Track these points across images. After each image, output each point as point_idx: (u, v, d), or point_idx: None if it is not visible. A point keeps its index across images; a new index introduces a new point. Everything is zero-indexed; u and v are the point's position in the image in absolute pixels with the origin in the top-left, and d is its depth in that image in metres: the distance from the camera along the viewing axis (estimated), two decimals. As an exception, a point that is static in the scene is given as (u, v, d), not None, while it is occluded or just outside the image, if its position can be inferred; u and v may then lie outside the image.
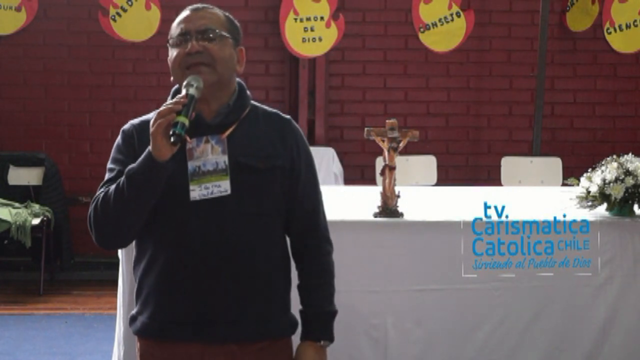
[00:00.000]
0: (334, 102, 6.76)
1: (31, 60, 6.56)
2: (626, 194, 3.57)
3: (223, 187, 2.07)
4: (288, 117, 2.25)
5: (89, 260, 6.48)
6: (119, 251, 3.56)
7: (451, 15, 6.45)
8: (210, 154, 2.08)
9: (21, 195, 6.21)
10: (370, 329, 3.42)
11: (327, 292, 2.24)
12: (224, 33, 2.14)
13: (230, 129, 2.13)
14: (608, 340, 3.56)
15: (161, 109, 1.97)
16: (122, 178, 2.02)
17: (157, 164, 1.97)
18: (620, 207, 3.62)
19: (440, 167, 6.42)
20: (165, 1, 6.25)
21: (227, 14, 2.22)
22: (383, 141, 3.53)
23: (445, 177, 6.60)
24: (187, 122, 1.96)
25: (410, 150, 5.50)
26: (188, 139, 2.06)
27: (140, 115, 2.22)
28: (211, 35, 2.11)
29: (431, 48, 6.53)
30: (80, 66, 6.57)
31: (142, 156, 1.99)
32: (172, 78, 2.16)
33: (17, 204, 6.00)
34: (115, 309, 3.67)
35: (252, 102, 2.23)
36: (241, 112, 2.16)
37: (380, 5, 6.74)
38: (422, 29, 6.49)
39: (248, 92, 2.22)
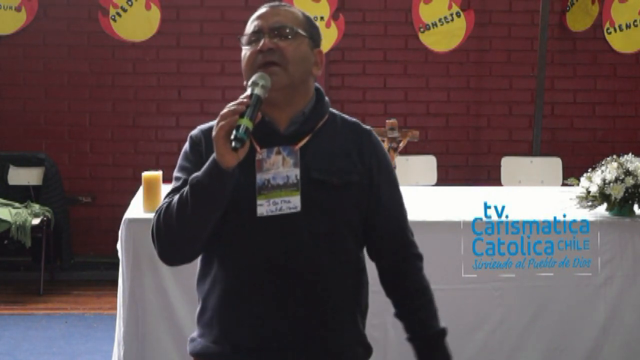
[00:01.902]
0: (334, 102, 6.68)
1: (31, 60, 6.56)
2: (626, 194, 3.57)
3: (293, 203, 1.90)
4: (368, 128, 2.08)
5: (89, 260, 6.47)
6: (119, 251, 3.56)
7: (451, 15, 6.45)
8: (282, 167, 1.90)
9: (21, 195, 6.20)
10: (370, 329, 3.41)
11: (433, 310, 2.07)
12: (300, 31, 1.97)
13: (305, 140, 1.96)
14: (608, 340, 3.57)
15: (224, 110, 1.81)
16: (186, 187, 1.87)
17: (222, 172, 1.80)
18: (620, 207, 3.63)
19: (440, 167, 6.41)
20: (165, 1, 6.25)
21: (306, 13, 2.05)
22: (383, 141, 3.53)
23: (445, 177, 6.60)
24: (250, 125, 1.78)
25: (410, 150, 5.50)
26: (258, 149, 1.92)
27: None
28: (287, 32, 1.95)
29: (431, 48, 6.53)
30: (80, 66, 6.57)
31: (207, 163, 1.83)
32: (245, 82, 1.98)
33: (17, 204, 6.00)
34: (115, 309, 3.68)
35: (331, 109, 2.06)
36: (317, 121, 1.99)
37: (380, 5, 6.74)
38: (422, 29, 6.49)
39: (327, 99, 2.06)
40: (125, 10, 6.23)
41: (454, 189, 4.70)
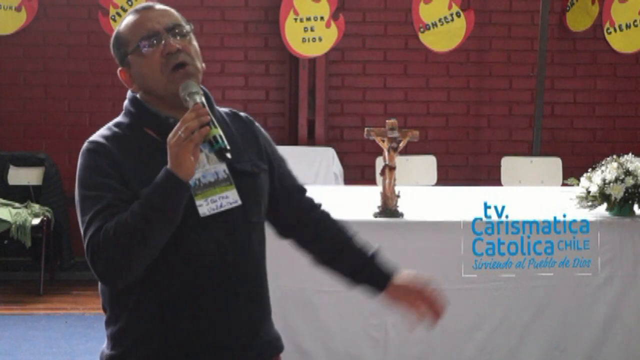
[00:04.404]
0: (334, 102, 6.76)
1: (31, 60, 6.56)
2: (626, 194, 3.57)
3: (232, 197, 1.88)
4: (245, 113, 2.11)
5: (89, 260, 6.47)
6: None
7: (451, 15, 6.46)
8: (207, 164, 1.87)
9: (21, 195, 6.20)
10: (370, 329, 3.43)
11: (361, 239, 2.13)
12: (188, 27, 1.96)
13: None
14: (608, 340, 3.57)
15: (188, 123, 1.73)
16: (139, 205, 1.77)
17: (182, 183, 1.75)
18: (620, 207, 3.62)
19: (440, 167, 6.42)
20: (165, 1, 6.24)
21: None
22: (383, 141, 3.53)
23: (445, 177, 6.60)
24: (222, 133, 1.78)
25: (410, 150, 5.50)
26: None
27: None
28: (183, 30, 1.92)
29: (431, 48, 6.53)
30: (80, 66, 6.57)
31: (162, 178, 1.76)
32: (127, 90, 2.00)
33: (17, 204, 6.00)
34: (115, 309, 3.67)
35: None
36: (214, 115, 1.91)
37: (380, 5, 6.74)
38: (422, 29, 6.49)
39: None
40: (125, 10, 6.23)
41: (454, 189, 4.70)
